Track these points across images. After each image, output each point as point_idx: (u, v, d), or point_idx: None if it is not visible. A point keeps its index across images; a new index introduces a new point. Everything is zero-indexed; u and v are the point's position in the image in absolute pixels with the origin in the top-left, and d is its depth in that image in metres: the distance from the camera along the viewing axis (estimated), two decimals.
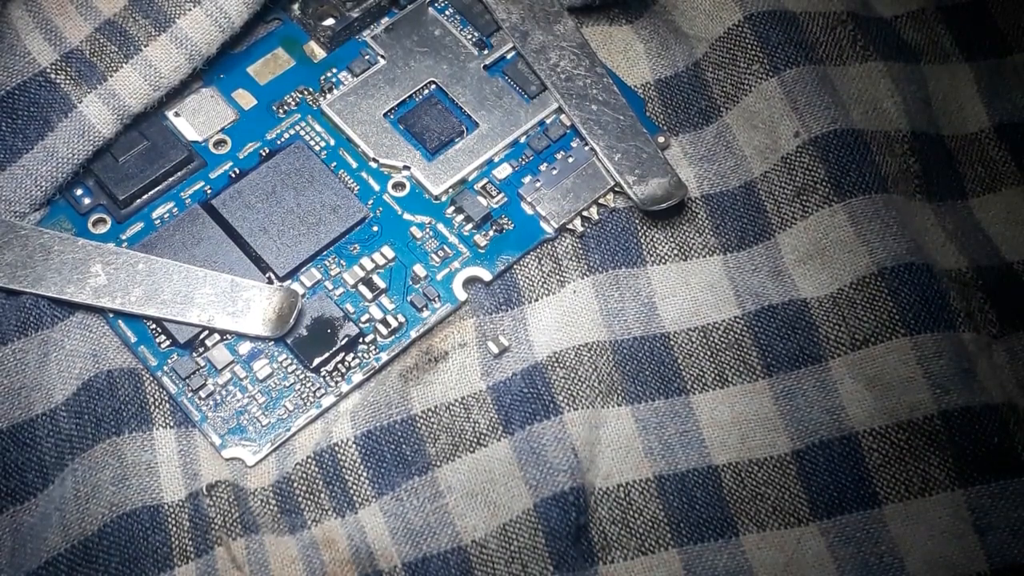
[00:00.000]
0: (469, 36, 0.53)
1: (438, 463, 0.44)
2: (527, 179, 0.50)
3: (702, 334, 0.47)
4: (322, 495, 0.44)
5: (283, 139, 0.51)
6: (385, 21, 0.54)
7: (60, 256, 0.47)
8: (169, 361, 0.47)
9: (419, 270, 0.49)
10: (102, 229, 0.49)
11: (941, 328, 0.46)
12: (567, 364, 0.46)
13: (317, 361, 0.47)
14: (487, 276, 0.49)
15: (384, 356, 0.47)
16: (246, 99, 0.52)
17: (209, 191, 0.50)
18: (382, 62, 0.53)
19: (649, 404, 0.46)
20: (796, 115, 0.50)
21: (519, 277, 0.48)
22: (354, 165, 0.51)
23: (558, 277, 0.48)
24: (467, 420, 0.45)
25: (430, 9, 0.54)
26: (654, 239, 0.49)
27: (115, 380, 0.46)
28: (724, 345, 0.47)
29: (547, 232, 0.49)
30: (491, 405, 0.45)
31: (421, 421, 0.45)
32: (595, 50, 0.52)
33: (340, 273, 0.49)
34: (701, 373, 0.47)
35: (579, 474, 0.44)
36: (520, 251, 0.49)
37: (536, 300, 0.48)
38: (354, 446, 0.45)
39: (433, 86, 0.52)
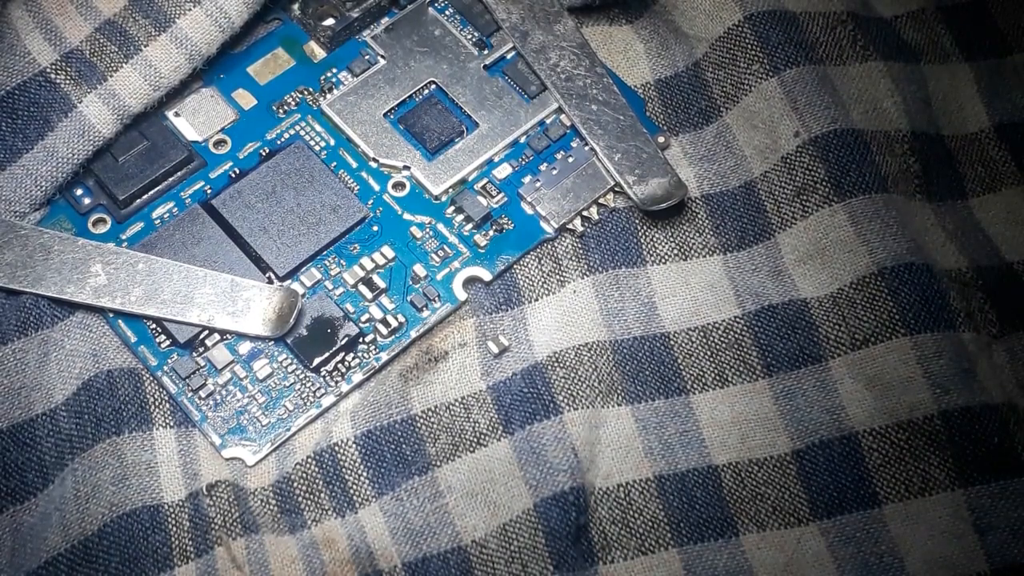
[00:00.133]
0: (469, 36, 0.53)
1: (438, 463, 0.44)
2: (527, 179, 0.50)
3: (702, 334, 0.47)
4: (322, 495, 0.44)
5: (283, 139, 0.51)
6: (385, 21, 0.54)
7: (60, 256, 0.47)
8: (169, 361, 0.47)
9: (419, 270, 0.49)
10: (102, 229, 0.49)
11: (941, 328, 0.46)
12: (567, 364, 0.46)
13: (317, 361, 0.47)
14: (487, 276, 0.49)
15: (384, 356, 0.47)
16: (246, 99, 0.52)
17: (209, 191, 0.50)
18: (382, 62, 0.53)
19: (649, 404, 0.46)
20: (796, 115, 0.50)
21: (519, 277, 0.48)
22: (354, 165, 0.51)
23: (558, 277, 0.48)
24: (467, 420, 0.45)
25: (430, 9, 0.54)
26: (654, 239, 0.49)
27: (115, 380, 0.46)
28: (724, 345, 0.47)
29: (547, 232, 0.49)
30: (491, 405, 0.45)
31: (421, 421, 0.45)
32: (595, 50, 0.52)
33: (340, 273, 0.49)
34: (701, 373, 0.47)
35: (579, 474, 0.44)
36: (520, 251, 0.49)
37: (536, 300, 0.48)
38: (354, 446, 0.45)
39: (433, 86, 0.52)
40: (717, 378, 0.47)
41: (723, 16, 0.52)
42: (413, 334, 0.48)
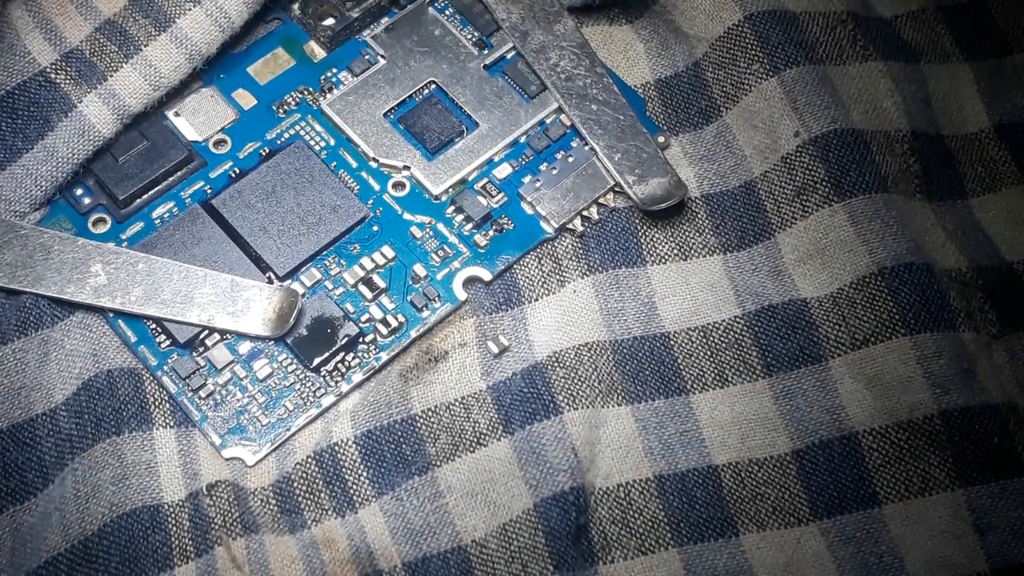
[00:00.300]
0: (469, 36, 0.53)
1: (438, 463, 0.44)
2: (527, 179, 0.50)
3: (702, 334, 0.47)
4: (322, 495, 0.44)
5: (283, 139, 0.51)
6: (385, 21, 0.54)
7: (60, 256, 0.47)
8: (169, 361, 0.47)
9: (419, 270, 0.49)
10: (102, 229, 0.49)
11: (941, 328, 0.46)
12: (567, 364, 0.46)
13: (317, 361, 0.47)
14: (487, 276, 0.49)
15: (384, 356, 0.47)
16: (246, 99, 0.52)
17: (209, 191, 0.50)
18: (382, 62, 0.53)
19: (649, 404, 0.46)
20: (796, 115, 0.50)
21: (519, 277, 0.48)
22: (354, 165, 0.51)
23: (558, 277, 0.48)
24: (467, 420, 0.45)
25: (430, 9, 0.54)
26: (654, 239, 0.49)
27: (115, 380, 0.46)
28: (724, 345, 0.47)
29: (547, 232, 0.49)
30: (491, 405, 0.45)
31: (421, 421, 0.45)
32: (595, 50, 0.52)
33: (340, 273, 0.49)
34: (701, 373, 0.47)
35: (579, 474, 0.44)
36: (520, 251, 0.49)
37: (536, 300, 0.48)
38: (354, 446, 0.45)
39: (433, 86, 0.52)
40: (717, 378, 0.47)
41: (723, 16, 0.52)
42: (413, 334, 0.48)
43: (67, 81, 0.49)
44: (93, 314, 0.47)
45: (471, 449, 0.45)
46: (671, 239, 0.49)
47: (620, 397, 0.46)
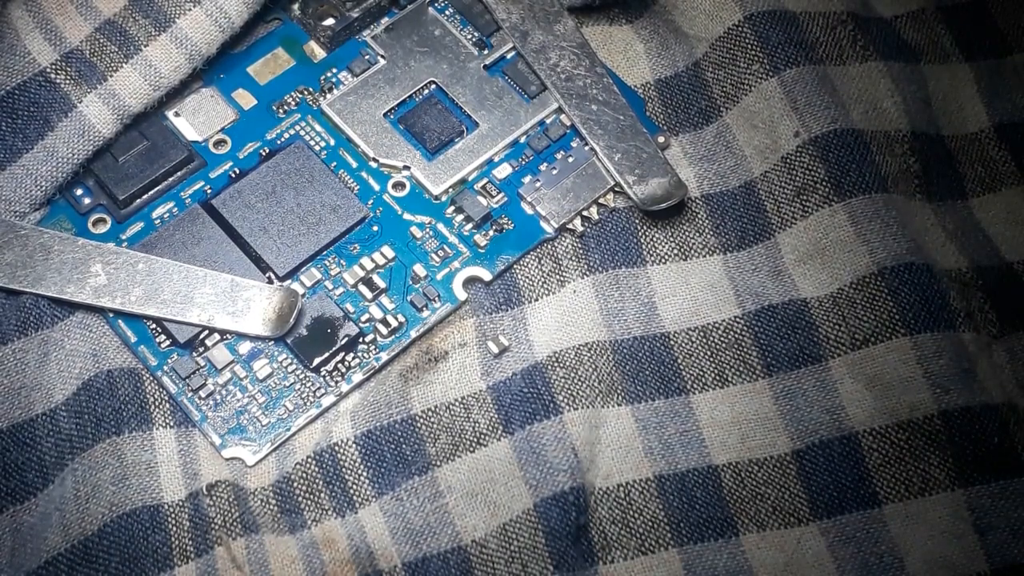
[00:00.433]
0: (469, 36, 0.53)
1: (438, 463, 0.44)
2: (527, 179, 0.50)
3: (702, 334, 0.47)
4: (322, 495, 0.44)
5: (283, 139, 0.51)
6: (385, 21, 0.54)
7: (60, 256, 0.47)
8: (169, 361, 0.47)
9: (419, 270, 0.49)
10: (102, 229, 0.49)
11: (941, 328, 0.46)
12: (567, 364, 0.46)
13: (317, 361, 0.47)
14: (487, 276, 0.49)
15: (384, 356, 0.47)
16: (246, 99, 0.52)
17: (209, 191, 0.50)
18: (382, 62, 0.53)
19: (649, 404, 0.46)
20: (796, 115, 0.50)
21: (519, 277, 0.48)
22: (354, 165, 0.51)
23: (558, 277, 0.48)
24: (467, 420, 0.45)
25: (430, 9, 0.54)
26: (654, 239, 0.49)
27: (115, 380, 0.46)
28: (724, 345, 0.47)
29: (547, 232, 0.49)
30: (491, 405, 0.45)
31: (421, 421, 0.45)
32: (595, 50, 0.52)
33: (340, 273, 0.49)
34: (701, 373, 0.47)
35: (579, 474, 0.44)
36: (520, 251, 0.49)
37: (536, 300, 0.48)
38: (354, 446, 0.45)
39: (433, 86, 0.52)
40: (717, 378, 0.47)
41: (723, 16, 0.52)
42: (413, 334, 0.48)
43: (67, 81, 0.49)
44: (93, 314, 0.47)
45: (471, 449, 0.45)
46: (671, 239, 0.49)
47: (620, 397, 0.46)
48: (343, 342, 0.47)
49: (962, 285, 0.48)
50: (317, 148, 0.51)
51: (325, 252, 0.49)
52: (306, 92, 0.52)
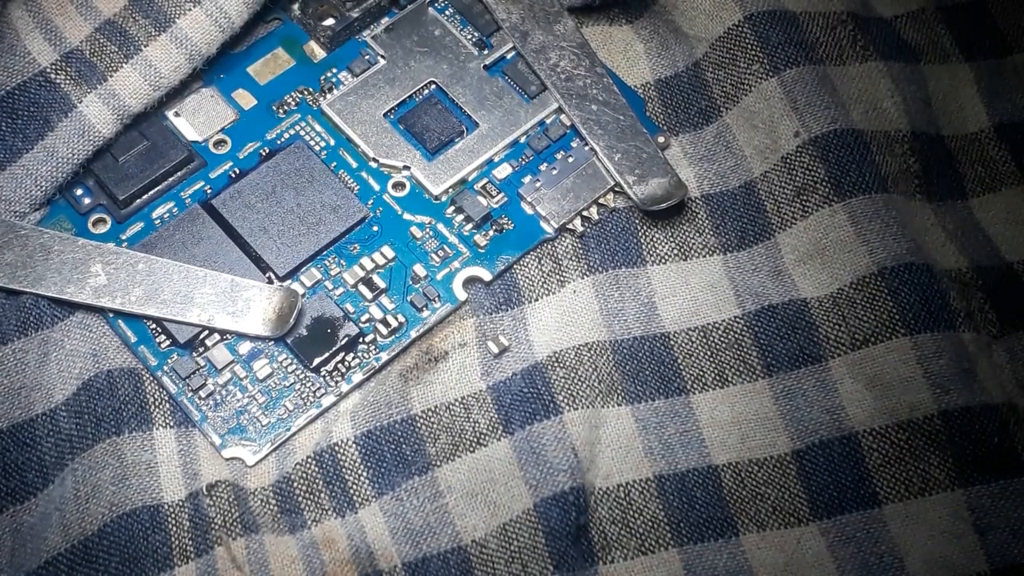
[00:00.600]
0: (469, 36, 0.53)
1: (438, 463, 0.44)
2: (527, 179, 0.50)
3: (702, 334, 0.47)
4: (322, 495, 0.44)
5: (283, 139, 0.51)
6: (385, 21, 0.54)
7: (60, 256, 0.47)
8: (169, 361, 0.47)
9: (419, 270, 0.49)
10: (102, 229, 0.49)
11: (941, 328, 0.46)
12: (567, 364, 0.46)
13: (317, 361, 0.47)
14: (487, 276, 0.49)
15: (384, 356, 0.47)
16: (246, 99, 0.52)
17: (209, 191, 0.50)
18: (382, 62, 0.53)
19: (649, 404, 0.46)
20: (796, 115, 0.50)
21: (519, 277, 0.48)
22: (354, 165, 0.51)
23: (558, 277, 0.48)
24: (467, 420, 0.45)
25: (430, 9, 0.54)
26: (654, 239, 0.49)
27: (115, 380, 0.46)
28: (724, 345, 0.47)
29: (547, 232, 0.49)
30: (491, 405, 0.45)
31: (421, 421, 0.45)
32: (595, 50, 0.52)
33: (340, 273, 0.49)
34: (701, 373, 0.47)
35: (579, 474, 0.44)
36: (520, 251, 0.49)
37: (536, 300, 0.48)
38: (354, 446, 0.45)
39: (433, 86, 0.52)
40: (717, 378, 0.47)
41: (723, 16, 0.52)
42: (413, 334, 0.48)
43: (67, 81, 0.49)
44: (93, 314, 0.47)
45: (471, 449, 0.45)
46: (671, 239, 0.49)
47: (620, 397, 0.46)
48: (343, 342, 0.47)
49: (962, 285, 0.48)
50: (317, 148, 0.51)
51: (325, 252, 0.49)
52: (306, 92, 0.52)
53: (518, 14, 0.53)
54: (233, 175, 0.51)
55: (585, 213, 0.49)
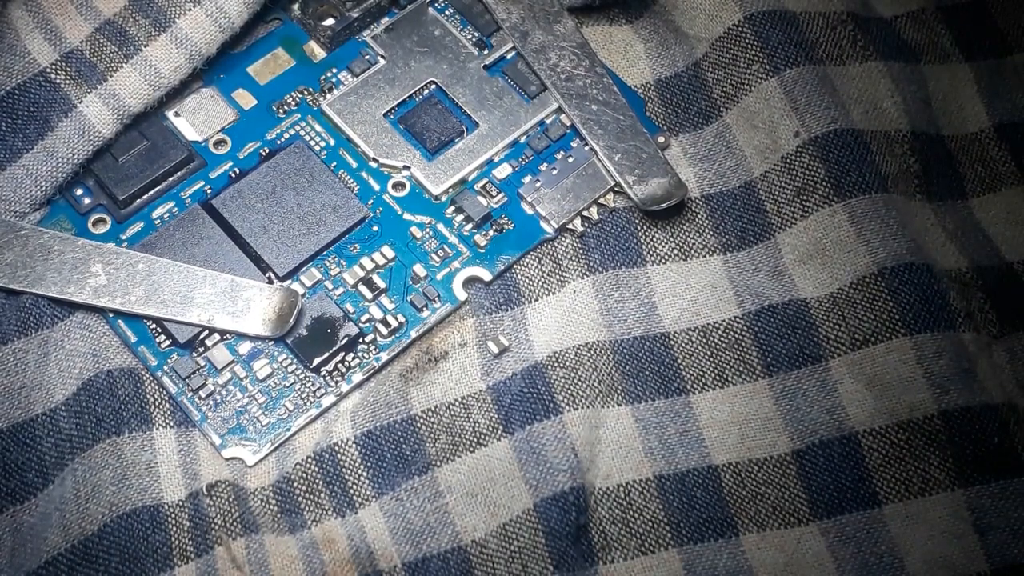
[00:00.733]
0: (469, 36, 0.53)
1: (438, 463, 0.44)
2: (527, 179, 0.50)
3: (702, 334, 0.47)
4: (322, 495, 0.44)
5: (283, 139, 0.51)
6: (385, 21, 0.54)
7: (60, 256, 0.47)
8: (169, 361, 0.47)
9: (419, 270, 0.49)
10: (102, 229, 0.49)
11: (941, 328, 0.46)
12: (567, 364, 0.46)
13: (317, 361, 0.47)
14: (487, 276, 0.49)
15: (384, 356, 0.47)
16: (246, 99, 0.52)
17: (209, 191, 0.50)
18: (382, 62, 0.53)
19: (649, 404, 0.46)
20: (796, 115, 0.50)
21: (519, 277, 0.48)
22: (354, 165, 0.51)
23: (558, 277, 0.48)
24: (467, 420, 0.45)
25: (430, 9, 0.54)
26: (654, 239, 0.49)
27: (115, 380, 0.46)
28: (724, 345, 0.47)
29: (547, 232, 0.49)
30: (491, 405, 0.45)
31: (421, 421, 0.45)
32: (595, 50, 0.53)
33: (340, 273, 0.49)
34: (701, 373, 0.47)
35: (579, 474, 0.44)
36: (520, 251, 0.49)
37: (536, 300, 0.48)
38: (354, 446, 0.45)
39: (433, 86, 0.52)
40: (717, 378, 0.47)
41: (723, 16, 0.52)
42: (413, 334, 0.48)
43: (67, 81, 0.49)
44: (93, 314, 0.47)
45: (471, 449, 0.45)
46: (671, 239, 0.49)
47: (620, 397, 0.46)
48: (343, 342, 0.47)
49: (962, 285, 0.48)
50: (317, 148, 0.51)
51: (325, 252, 0.49)
52: (306, 92, 0.52)
53: (518, 14, 0.53)
54: (233, 175, 0.51)
55: (585, 213, 0.49)
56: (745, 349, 0.47)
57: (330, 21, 0.53)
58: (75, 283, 0.47)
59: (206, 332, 0.47)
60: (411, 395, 0.46)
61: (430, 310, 0.48)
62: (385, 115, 0.52)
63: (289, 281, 0.48)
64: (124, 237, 0.49)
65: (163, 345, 0.47)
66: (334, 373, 0.47)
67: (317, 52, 0.53)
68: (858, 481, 0.45)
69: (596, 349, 0.46)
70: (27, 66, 0.49)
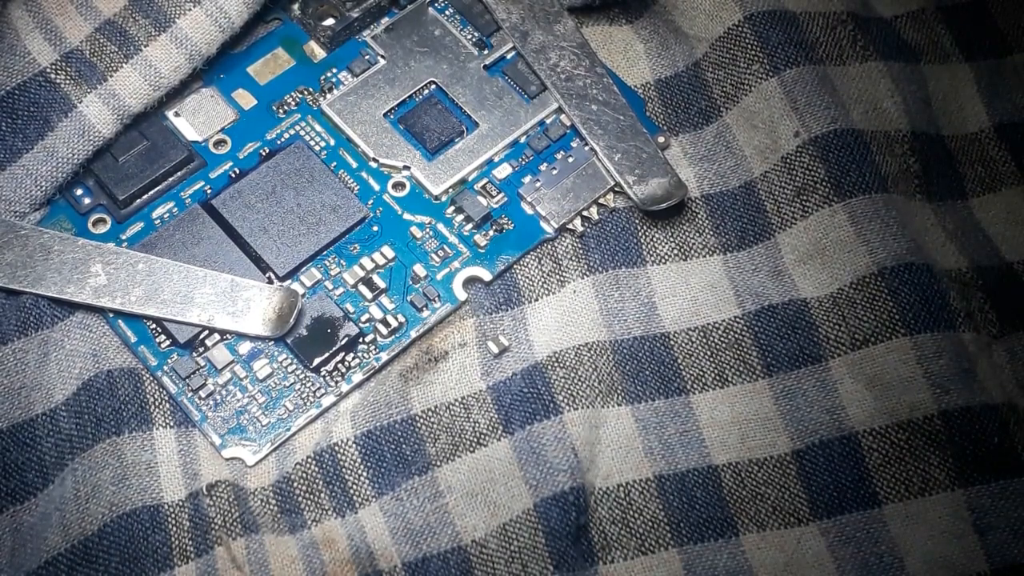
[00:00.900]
0: (469, 36, 0.53)
1: (438, 463, 0.44)
2: (527, 179, 0.50)
3: (702, 334, 0.47)
4: (322, 495, 0.44)
5: (283, 139, 0.51)
6: (385, 21, 0.54)
7: (60, 256, 0.47)
8: (169, 361, 0.47)
9: (419, 270, 0.49)
10: (102, 229, 0.49)
11: (941, 328, 0.46)
12: (567, 364, 0.46)
13: (317, 361, 0.47)
14: (487, 276, 0.49)
15: (384, 356, 0.47)
16: (246, 99, 0.52)
17: (209, 191, 0.50)
18: (382, 62, 0.53)
19: (649, 404, 0.46)
20: (796, 115, 0.50)
21: (519, 277, 0.48)
22: (354, 165, 0.51)
23: (558, 277, 0.48)
24: (467, 420, 0.45)
25: (430, 9, 0.54)
26: (654, 239, 0.49)
27: (115, 380, 0.46)
28: (724, 345, 0.47)
29: (547, 232, 0.49)
30: (491, 405, 0.45)
31: (421, 421, 0.45)
32: (595, 50, 0.53)
33: (340, 273, 0.49)
34: (701, 373, 0.47)
35: (579, 474, 0.44)
36: (520, 251, 0.49)
37: (536, 300, 0.48)
38: (354, 446, 0.45)
39: (433, 86, 0.52)
40: (717, 378, 0.47)
41: (723, 16, 0.52)
42: (413, 334, 0.48)
43: (67, 81, 0.49)
44: (93, 314, 0.47)
45: (471, 449, 0.45)
46: (671, 239, 0.49)
47: (620, 397, 0.46)
48: (343, 342, 0.47)
49: (962, 285, 0.48)
50: (317, 148, 0.51)
51: (325, 252, 0.49)
52: (306, 92, 0.52)
53: (518, 14, 0.53)
54: (233, 175, 0.51)
55: (585, 213, 0.49)
56: (745, 349, 0.47)
57: (330, 21, 0.53)
58: (75, 283, 0.47)
59: (206, 332, 0.47)
60: (411, 395, 0.46)
61: (430, 310, 0.48)
62: (385, 115, 0.52)
63: (289, 281, 0.48)
64: (124, 237, 0.49)
65: (163, 345, 0.47)
66: (334, 373, 0.47)
67: (317, 52, 0.53)
68: (858, 481, 0.45)
69: (596, 349, 0.46)
70: (27, 66, 0.49)
